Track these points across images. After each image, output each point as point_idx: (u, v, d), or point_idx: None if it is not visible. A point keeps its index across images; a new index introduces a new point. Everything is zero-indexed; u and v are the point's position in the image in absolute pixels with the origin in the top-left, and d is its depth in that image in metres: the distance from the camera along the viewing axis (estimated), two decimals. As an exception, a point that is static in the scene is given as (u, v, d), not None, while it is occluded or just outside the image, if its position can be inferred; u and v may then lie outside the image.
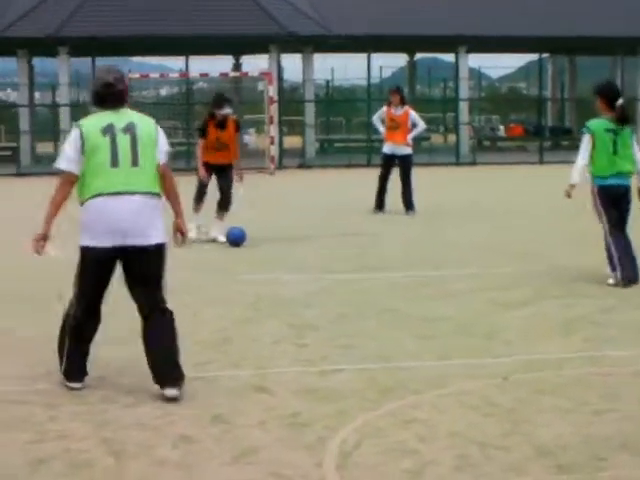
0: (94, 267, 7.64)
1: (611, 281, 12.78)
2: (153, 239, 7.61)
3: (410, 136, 21.82)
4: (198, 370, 8.86)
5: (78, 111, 50.27)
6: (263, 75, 42.44)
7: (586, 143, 13.00)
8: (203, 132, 17.21)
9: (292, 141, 50.41)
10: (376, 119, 22.97)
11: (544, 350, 9.48)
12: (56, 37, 42.13)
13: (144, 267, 7.68)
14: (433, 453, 6.59)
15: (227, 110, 16.69)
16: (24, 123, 45.20)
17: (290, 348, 9.64)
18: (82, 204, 7.65)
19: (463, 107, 48.18)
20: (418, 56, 60.39)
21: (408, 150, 21.72)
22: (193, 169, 35.02)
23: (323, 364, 8.93)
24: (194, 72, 48.35)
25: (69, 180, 7.60)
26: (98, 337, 10.14)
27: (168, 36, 43.38)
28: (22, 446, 6.84)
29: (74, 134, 7.60)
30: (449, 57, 53.12)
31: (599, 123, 13.15)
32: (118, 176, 7.47)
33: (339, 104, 63.09)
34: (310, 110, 47.46)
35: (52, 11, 42.94)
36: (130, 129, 7.55)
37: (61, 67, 44.67)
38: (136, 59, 67.04)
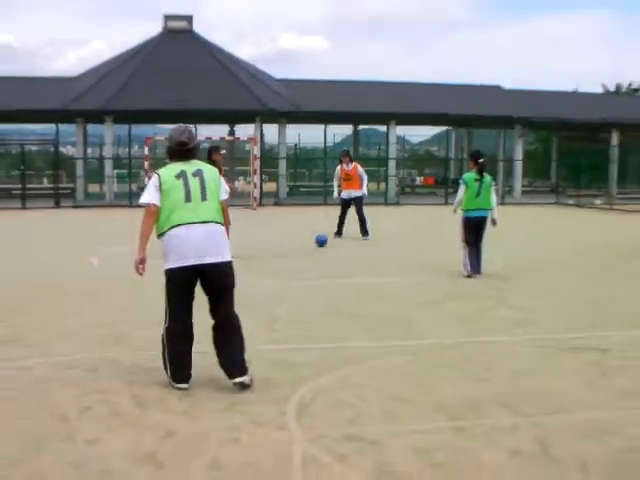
0: (179, 285, 7.15)
1: (465, 273, 14.39)
2: (223, 257, 7.19)
3: (364, 188, 22.09)
4: (200, 345, 8.88)
5: (118, 163, 50.36)
6: (250, 139, 42.41)
7: (462, 189, 14.63)
8: None
9: (270, 186, 50.48)
10: (335, 178, 23.11)
11: (445, 336, 9.51)
12: (103, 110, 42.09)
13: (217, 280, 7.23)
14: (365, 407, 6.67)
15: (224, 151, 16.29)
16: (79, 170, 45.05)
17: (265, 332, 9.61)
18: (161, 235, 7.19)
19: (391, 164, 48.43)
20: (360, 127, 60.46)
21: (360, 193, 21.95)
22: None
23: (288, 344, 8.94)
24: (201, 136, 48.34)
25: (151, 211, 7.15)
26: (135, 320, 10.23)
27: (183, 110, 43.32)
28: (73, 398, 6.88)
29: (154, 178, 7.25)
30: (382, 128, 53.18)
31: (470, 175, 14.64)
32: (191, 210, 7.09)
33: (304, 161, 63.23)
34: (283, 164, 47.53)
35: (100, 92, 42.92)
36: (198, 174, 7.21)
37: (106, 131, 44.57)
38: (160, 125, 66.76)
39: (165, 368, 7.35)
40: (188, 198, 7.12)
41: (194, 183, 7.19)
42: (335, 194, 22.85)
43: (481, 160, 14.72)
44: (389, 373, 7.82)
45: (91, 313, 10.82)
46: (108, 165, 45.28)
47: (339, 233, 21.72)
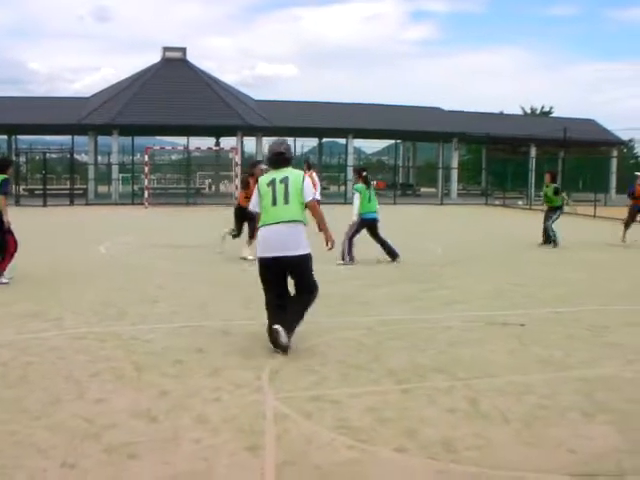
0: (263, 269, 7.53)
1: (340, 262, 14.14)
2: (300, 251, 7.45)
3: (317, 194, 21.29)
4: (188, 320, 8.84)
5: (123, 168, 50.03)
6: (233, 149, 42.28)
7: (357, 197, 14.70)
8: (245, 185, 14.99)
9: (250, 188, 50.38)
10: None
11: (393, 313, 9.51)
12: (111, 124, 41.82)
13: (296, 269, 7.53)
14: (327, 372, 6.66)
15: (264, 166, 13.95)
16: (91, 174, 44.79)
17: (243, 310, 9.58)
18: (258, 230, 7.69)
19: (349, 170, 48.42)
20: (324, 140, 60.36)
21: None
22: (191, 204, 34.72)
23: (263, 319, 8.85)
24: (192, 146, 48.19)
25: (258, 216, 7.62)
26: (134, 299, 10.10)
27: (177, 124, 43.22)
28: (83, 364, 6.82)
29: (257, 186, 7.67)
30: (342, 140, 53.18)
31: (361, 186, 14.73)
32: (275, 212, 7.39)
33: (278, 167, 63.08)
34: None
35: (109, 109, 42.72)
36: (284, 181, 7.45)
37: (113, 142, 44.28)
38: (158, 137, 66.42)
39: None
40: (274, 202, 7.43)
41: (280, 189, 7.45)
42: None
43: (364, 173, 14.99)
44: (346, 344, 7.79)
45: (98, 293, 10.72)
46: (114, 170, 45.06)
47: None
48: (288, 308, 7.49)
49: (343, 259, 14.33)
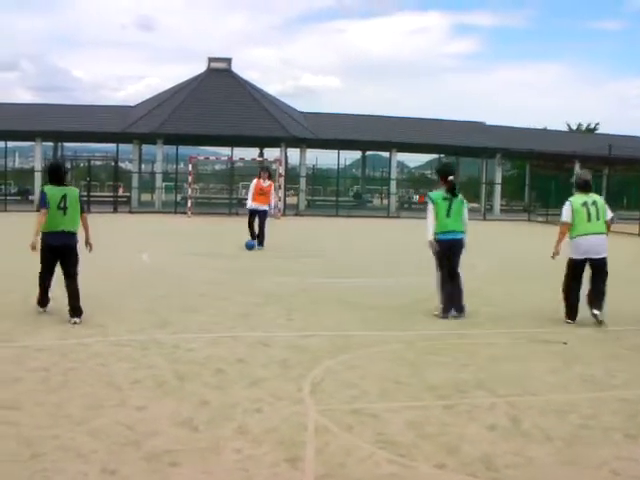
0: (578, 267, 9.94)
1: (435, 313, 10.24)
2: (605, 254, 9.83)
3: (273, 204, 20.56)
4: (229, 330, 8.87)
5: (166, 176, 50.42)
6: (276, 160, 42.43)
7: (431, 210, 10.52)
8: None
9: (292, 199, 50.46)
10: (250, 191, 20.42)
11: (435, 328, 9.48)
12: (155, 133, 42.27)
13: (602, 267, 9.87)
14: (366, 386, 6.63)
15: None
16: (135, 182, 45.32)
17: (284, 321, 9.61)
18: (572, 238, 9.87)
19: (393, 184, 48.49)
20: (368, 153, 60.37)
21: (266, 207, 19.92)
22: (234, 214, 34.85)
23: (303, 331, 8.91)
24: (236, 157, 48.42)
25: (565, 227, 10.00)
26: (175, 307, 10.14)
27: (221, 135, 43.46)
28: (125, 371, 6.88)
29: (567, 204, 9.94)
30: (385, 154, 53.12)
31: (438, 194, 10.58)
32: (589, 226, 9.74)
33: (320, 179, 63.23)
34: (303, 182, 47.75)
35: (154, 118, 43.14)
36: (594, 204, 9.86)
37: (158, 150, 44.75)
38: (202, 147, 66.84)
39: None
40: (589, 219, 9.77)
41: (592, 209, 9.80)
42: (249, 197, 20.30)
43: (451, 178, 10.70)
44: (386, 358, 7.77)
45: (141, 301, 10.84)
46: (158, 178, 45.52)
47: (253, 237, 19.83)
48: (593, 293, 9.77)
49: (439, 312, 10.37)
